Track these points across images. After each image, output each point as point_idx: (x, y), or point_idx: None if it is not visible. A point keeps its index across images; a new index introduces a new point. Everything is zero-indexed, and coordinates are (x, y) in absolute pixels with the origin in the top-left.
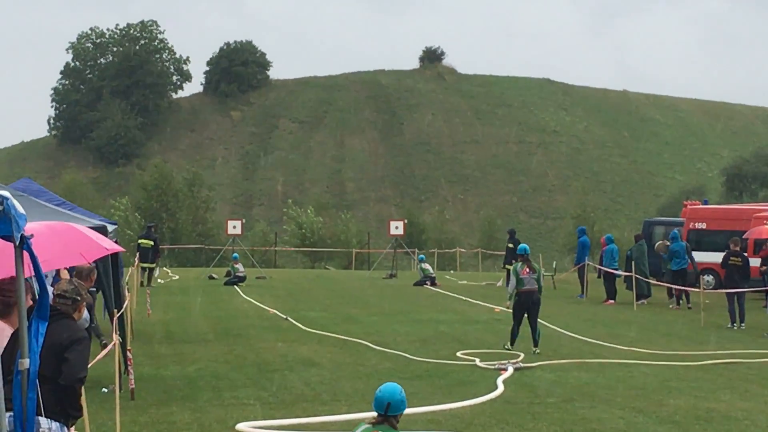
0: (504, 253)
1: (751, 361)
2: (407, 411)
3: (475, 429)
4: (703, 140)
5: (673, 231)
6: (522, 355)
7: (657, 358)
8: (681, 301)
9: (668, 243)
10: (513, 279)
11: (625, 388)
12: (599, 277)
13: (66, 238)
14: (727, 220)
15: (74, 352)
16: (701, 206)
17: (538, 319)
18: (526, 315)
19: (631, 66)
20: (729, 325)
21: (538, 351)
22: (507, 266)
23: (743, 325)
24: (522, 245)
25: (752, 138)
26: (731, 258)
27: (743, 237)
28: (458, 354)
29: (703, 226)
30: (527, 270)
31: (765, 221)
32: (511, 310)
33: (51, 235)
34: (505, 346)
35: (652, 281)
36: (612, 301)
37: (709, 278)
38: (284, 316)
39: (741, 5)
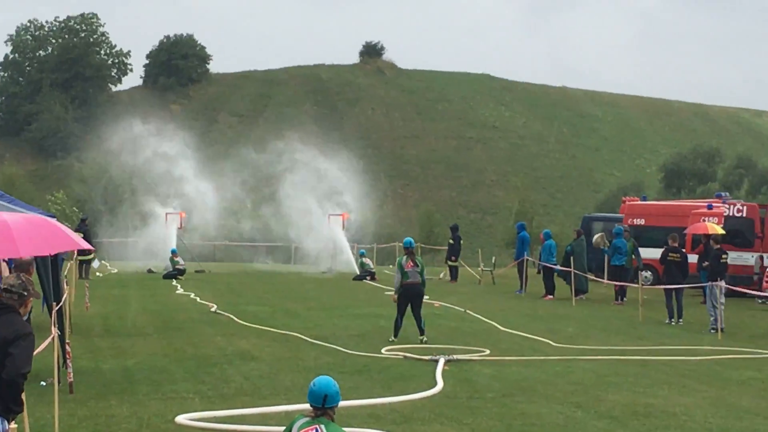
0: (446, 248)
1: (689, 358)
2: (346, 405)
3: (415, 423)
4: (641, 137)
5: (617, 227)
6: (491, 350)
7: (595, 353)
8: (624, 297)
9: (602, 236)
10: (398, 273)
11: (564, 383)
12: (539, 272)
13: (45, 231)
14: (666, 216)
15: (19, 347)
16: (639, 202)
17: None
18: (409, 307)
19: (570, 62)
20: (667, 321)
21: (425, 339)
22: (449, 261)
23: (681, 320)
24: (407, 239)
25: (690, 135)
26: (670, 254)
27: (684, 233)
28: (383, 351)
29: (642, 222)
30: (411, 263)
31: (703, 217)
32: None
33: (30, 226)
34: (390, 339)
35: (591, 277)
36: (551, 297)
37: (648, 274)
38: (212, 308)
39: (677, 1)
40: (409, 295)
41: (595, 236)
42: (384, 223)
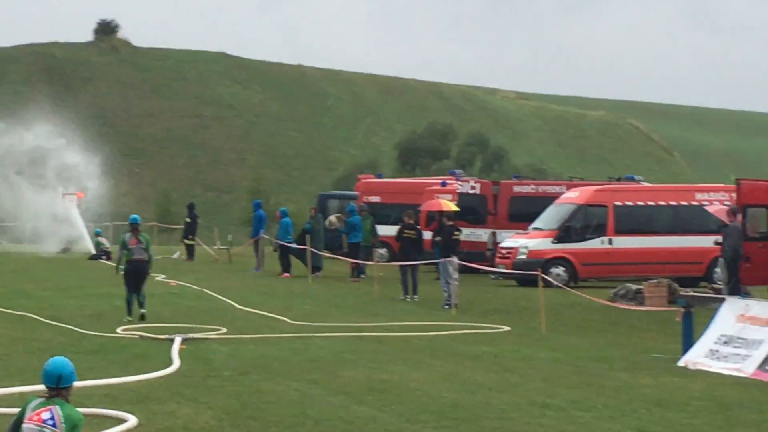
0: (183, 226)
1: (424, 334)
2: (82, 385)
3: (151, 403)
4: (376, 115)
5: (350, 204)
6: (228, 328)
7: (332, 330)
8: (363, 275)
9: (339, 217)
10: (121, 249)
11: (300, 361)
12: (275, 250)
13: None
14: (401, 193)
15: None
16: (375, 180)
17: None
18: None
19: (305, 40)
20: (402, 297)
21: (144, 311)
22: (185, 240)
23: (416, 297)
24: (132, 216)
25: (424, 113)
26: (405, 231)
27: (418, 210)
28: (118, 330)
29: (377, 199)
30: (135, 240)
31: (437, 195)
32: (123, 279)
33: None
34: (125, 319)
35: (326, 254)
36: (287, 274)
37: (383, 251)
38: None
39: None
40: (135, 272)
41: (330, 218)
42: (120, 202)
